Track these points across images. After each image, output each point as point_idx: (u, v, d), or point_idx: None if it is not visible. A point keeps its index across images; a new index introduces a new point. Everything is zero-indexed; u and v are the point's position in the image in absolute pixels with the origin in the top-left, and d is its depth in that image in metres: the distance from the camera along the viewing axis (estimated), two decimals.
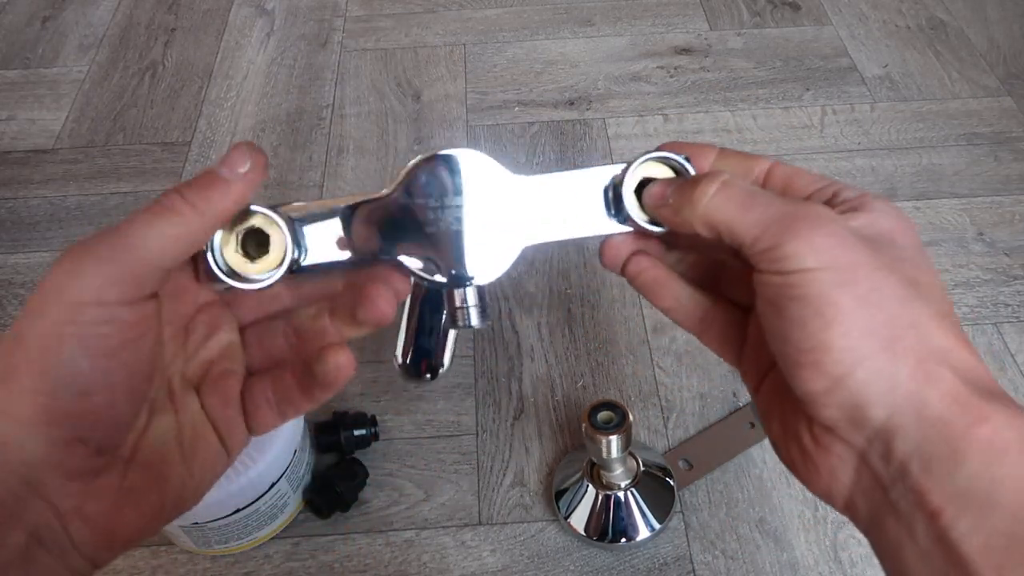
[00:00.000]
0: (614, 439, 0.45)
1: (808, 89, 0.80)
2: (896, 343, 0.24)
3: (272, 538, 0.51)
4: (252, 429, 0.29)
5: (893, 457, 0.24)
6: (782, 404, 0.28)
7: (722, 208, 0.27)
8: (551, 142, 0.75)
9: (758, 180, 0.30)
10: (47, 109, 0.81)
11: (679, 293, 0.32)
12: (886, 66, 0.82)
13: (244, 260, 0.28)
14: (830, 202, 0.28)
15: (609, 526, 0.49)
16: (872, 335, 0.24)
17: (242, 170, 0.26)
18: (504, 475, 0.54)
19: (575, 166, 0.73)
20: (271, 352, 0.30)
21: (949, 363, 0.24)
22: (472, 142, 0.75)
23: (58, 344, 0.23)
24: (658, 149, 0.31)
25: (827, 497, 0.27)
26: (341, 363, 0.27)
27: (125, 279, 0.24)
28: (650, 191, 0.29)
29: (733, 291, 0.32)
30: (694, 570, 0.49)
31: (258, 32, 0.89)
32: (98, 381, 0.23)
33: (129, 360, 0.25)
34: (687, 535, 0.51)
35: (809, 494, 0.52)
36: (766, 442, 0.54)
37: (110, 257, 0.23)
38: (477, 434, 0.56)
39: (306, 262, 0.29)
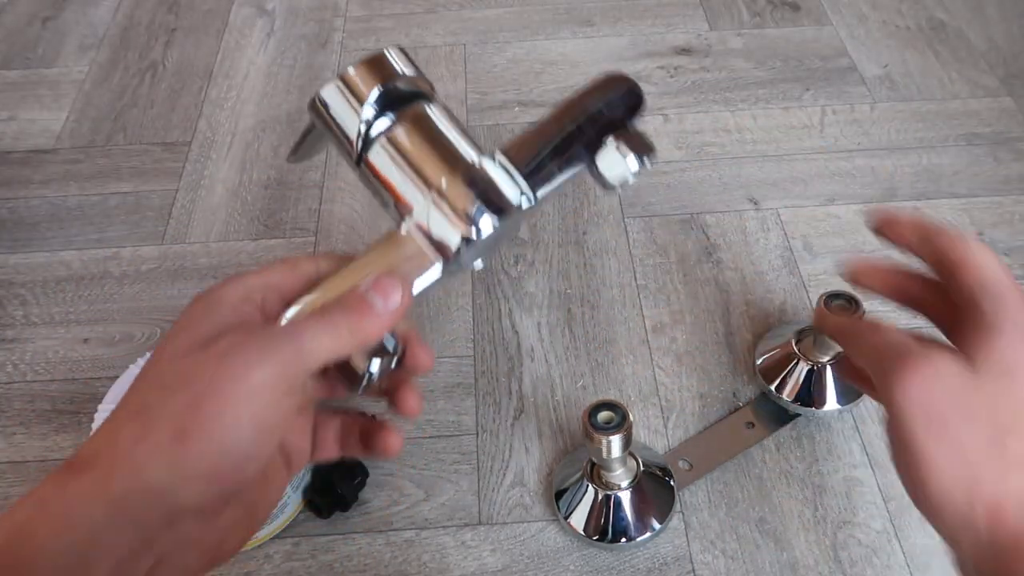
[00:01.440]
0: (614, 439, 0.45)
1: (808, 89, 0.80)
2: (975, 491, 0.29)
3: (272, 538, 0.51)
4: (314, 457, 0.34)
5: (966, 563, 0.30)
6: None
7: (863, 343, 0.35)
8: None
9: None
10: (48, 109, 0.81)
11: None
12: (886, 66, 0.82)
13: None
14: (982, 316, 0.32)
15: (609, 526, 0.49)
16: (956, 482, 0.29)
17: (392, 306, 0.30)
18: (504, 475, 0.54)
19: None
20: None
21: (1017, 505, 0.29)
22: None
23: (235, 423, 0.26)
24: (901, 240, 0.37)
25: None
26: (391, 446, 0.34)
27: (292, 376, 0.28)
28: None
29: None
30: (694, 570, 0.49)
31: (258, 32, 0.89)
32: (253, 454, 0.27)
33: (277, 436, 0.29)
34: (687, 535, 0.51)
35: (809, 493, 0.52)
36: (766, 441, 0.54)
37: (282, 357, 0.28)
38: (477, 434, 0.56)
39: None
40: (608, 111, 0.36)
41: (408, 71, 0.35)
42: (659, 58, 0.83)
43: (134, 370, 0.49)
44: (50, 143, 0.77)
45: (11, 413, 0.57)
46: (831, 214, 0.68)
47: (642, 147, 0.35)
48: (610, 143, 0.35)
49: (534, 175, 0.34)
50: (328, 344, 0.29)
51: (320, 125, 0.37)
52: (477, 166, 0.34)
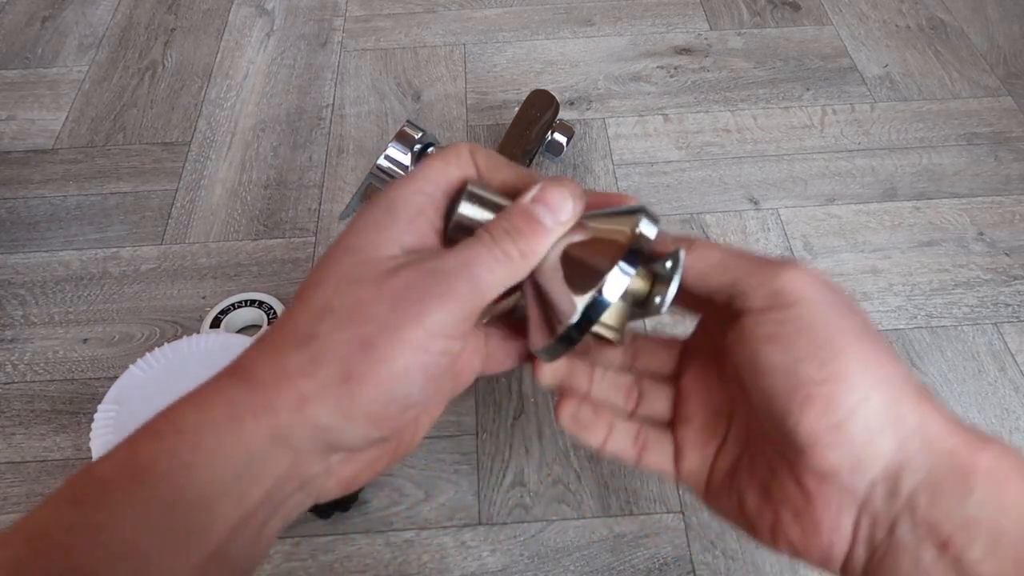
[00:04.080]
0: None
1: (808, 89, 0.80)
2: (896, 375, 0.25)
3: None
4: (487, 370, 0.32)
5: (900, 492, 0.24)
6: (755, 475, 0.28)
7: (717, 251, 0.29)
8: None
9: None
10: (47, 109, 0.81)
11: (612, 424, 0.32)
12: (886, 66, 0.82)
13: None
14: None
15: None
16: (877, 366, 0.25)
17: (564, 218, 0.28)
18: (504, 475, 0.54)
19: (574, 166, 0.73)
20: None
21: (931, 399, 0.26)
22: (472, 142, 0.75)
23: (406, 370, 0.25)
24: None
25: (826, 559, 0.26)
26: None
27: (468, 317, 0.26)
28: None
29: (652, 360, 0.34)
30: (694, 570, 0.49)
31: (258, 32, 0.89)
32: (418, 401, 0.27)
33: (444, 384, 0.29)
34: (687, 535, 0.51)
35: None
36: None
37: (460, 297, 0.26)
38: (477, 434, 0.56)
39: None
40: (543, 115, 0.65)
41: (422, 132, 0.59)
42: (659, 58, 0.83)
43: (134, 370, 0.49)
44: (49, 143, 0.77)
45: (10, 413, 0.57)
46: (831, 214, 0.68)
47: (568, 131, 0.68)
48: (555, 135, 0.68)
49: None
50: (503, 276, 0.27)
51: (380, 181, 0.60)
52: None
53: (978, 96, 0.78)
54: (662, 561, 0.49)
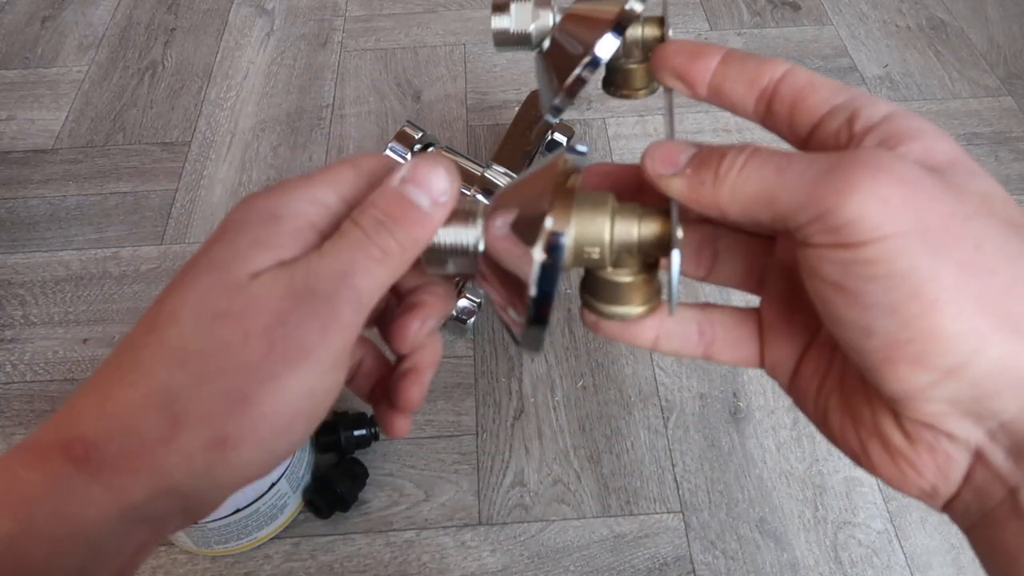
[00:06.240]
0: None
1: None
2: (1023, 316, 0.19)
3: (272, 538, 0.51)
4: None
5: None
6: (846, 397, 0.23)
7: (754, 177, 0.21)
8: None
9: (766, 92, 0.23)
10: (47, 109, 0.81)
11: (664, 324, 0.26)
12: (886, 66, 0.82)
13: None
14: (850, 128, 0.22)
15: None
16: (990, 311, 0.18)
17: (440, 197, 0.23)
18: (504, 475, 0.54)
19: None
20: None
21: None
22: (472, 142, 0.75)
23: (292, 421, 0.22)
24: (656, 58, 0.25)
25: (926, 499, 0.22)
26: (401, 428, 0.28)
27: (354, 336, 0.22)
28: (652, 152, 0.23)
29: (727, 270, 0.28)
30: (694, 570, 0.49)
31: (258, 32, 0.89)
32: (300, 443, 0.24)
33: (325, 414, 0.25)
34: (687, 535, 0.50)
35: (809, 493, 0.52)
36: (765, 441, 0.54)
37: (343, 323, 0.22)
38: (477, 434, 0.56)
39: None
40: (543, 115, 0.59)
41: (422, 132, 0.58)
42: None
43: None
44: (49, 143, 0.77)
45: (10, 413, 0.57)
46: None
47: (568, 131, 0.65)
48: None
49: (515, 168, 0.57)
50: (384, 278, 0.23)
51: None
52: (485, 176, 0.55)
53: (978, 96, 0.78)
54: (662, 561, 0.49)
